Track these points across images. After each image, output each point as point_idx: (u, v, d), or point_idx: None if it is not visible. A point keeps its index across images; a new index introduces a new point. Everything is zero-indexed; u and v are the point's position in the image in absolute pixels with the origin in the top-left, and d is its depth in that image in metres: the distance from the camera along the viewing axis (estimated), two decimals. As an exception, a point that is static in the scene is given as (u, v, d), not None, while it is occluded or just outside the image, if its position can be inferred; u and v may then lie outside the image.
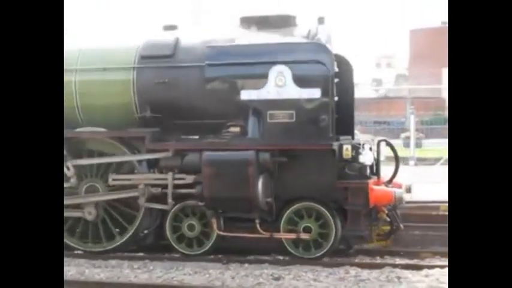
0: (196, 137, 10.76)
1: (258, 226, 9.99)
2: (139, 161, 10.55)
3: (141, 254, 10.68)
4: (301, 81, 9.85)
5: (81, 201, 10.65)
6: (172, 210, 10.37)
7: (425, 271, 9.19)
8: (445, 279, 8.74)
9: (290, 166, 10.02)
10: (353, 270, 9.29)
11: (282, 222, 10.06)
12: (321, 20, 10.46)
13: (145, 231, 10.64)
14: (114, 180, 10.49)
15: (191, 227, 10.37)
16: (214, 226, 10.16)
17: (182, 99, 10.36)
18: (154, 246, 10.81)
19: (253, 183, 9.71)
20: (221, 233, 10.19)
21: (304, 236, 9.95)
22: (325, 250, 9.96)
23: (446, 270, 9.14)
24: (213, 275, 9.26)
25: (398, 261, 10.02)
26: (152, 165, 10.52)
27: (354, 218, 9.91)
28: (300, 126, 9.84)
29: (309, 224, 9.98)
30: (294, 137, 9.88)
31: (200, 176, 10.01)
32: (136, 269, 9.68)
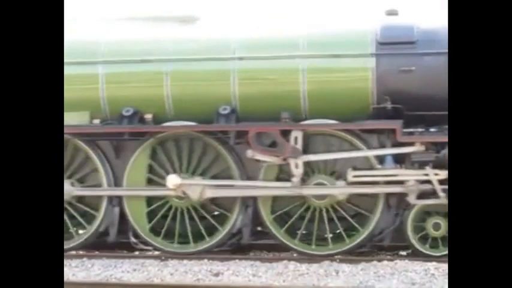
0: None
1: None
2: (379, 156, 9.72)
3: (80, 251, 10.55)
4: None
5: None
6: (415, 209, 9.62)
7: (362, 264, 9.28)
8: (383, 271, 8.87)
9: None
10: (292, 265, 9.34)
11: None
12: None
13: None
14: (355, 176, 9.69)
15: (437, 226, 9.64)
16: None
17: (429, 88, 9.61)
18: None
19: None
20: None
21: None
22: None
23: (384, 262, 9.30)
24: (152, 272, 9.21)
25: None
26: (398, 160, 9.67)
27: None
28: None
29: None
30: None
31: None
32: (74, 267, 9.57)
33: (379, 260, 9.46)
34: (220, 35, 10.36)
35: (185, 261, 9.71)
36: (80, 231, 10.55)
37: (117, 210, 10.25)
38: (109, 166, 10.31)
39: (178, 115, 10.14)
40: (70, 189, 10.23)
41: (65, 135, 9.59)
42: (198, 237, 10.19)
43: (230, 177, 10.07)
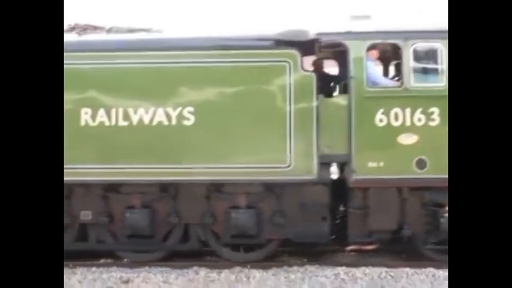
0: None
1: None
2: None
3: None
4: None
5: None
6: None
7: (273, 270, 9.30)
8: (294, 277, 8.91)
9: None
10: (202, 271, 9.29)
11: None
12: None
13: None
14: None
15: None
16: None
17: None
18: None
19: None
20: None
21: None
22: None
23: (294, 268, 9.33)
24: (59, 280, 9.01)
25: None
26: None
27: None
28: None
29: None
30: None
31: None
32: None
33: (290, 265, 9.50)
34: None
35: (94, 269, 9.52)
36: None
37: None
38: None
39: None
40: None
41: None
42: None
43: None
